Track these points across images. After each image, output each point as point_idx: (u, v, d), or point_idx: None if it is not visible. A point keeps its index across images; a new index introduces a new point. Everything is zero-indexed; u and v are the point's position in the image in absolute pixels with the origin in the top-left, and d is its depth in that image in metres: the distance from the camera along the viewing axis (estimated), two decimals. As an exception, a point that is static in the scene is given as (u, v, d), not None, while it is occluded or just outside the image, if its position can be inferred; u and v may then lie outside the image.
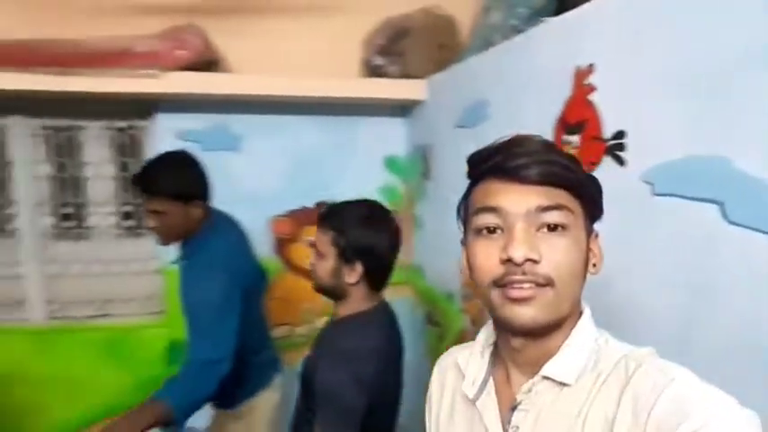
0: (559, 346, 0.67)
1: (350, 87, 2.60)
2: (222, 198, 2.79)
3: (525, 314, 0.63)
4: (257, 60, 2.69)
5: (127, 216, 2.84)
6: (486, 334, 0.78)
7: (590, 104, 1.29)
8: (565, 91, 1.40)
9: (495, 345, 0.77)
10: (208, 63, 2.55)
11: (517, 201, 0.64)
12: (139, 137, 2.79)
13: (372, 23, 2.60)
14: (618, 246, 1.24)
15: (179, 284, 1.81)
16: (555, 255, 0.63)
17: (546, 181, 0.63)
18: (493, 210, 0.65)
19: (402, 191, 2.95)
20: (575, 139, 1.35)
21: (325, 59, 2.68)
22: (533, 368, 0.69)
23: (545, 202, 0.63)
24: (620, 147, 1.19)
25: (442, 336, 2.50)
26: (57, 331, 2.78)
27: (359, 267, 1.30)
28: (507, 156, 0.65)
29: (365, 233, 1.28)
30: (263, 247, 2.71)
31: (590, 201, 0.69)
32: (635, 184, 1.15)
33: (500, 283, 0.63)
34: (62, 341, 2.76)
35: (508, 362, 0.73)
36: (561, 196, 0.64)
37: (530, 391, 0.68)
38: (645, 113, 1.13)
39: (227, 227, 1.97)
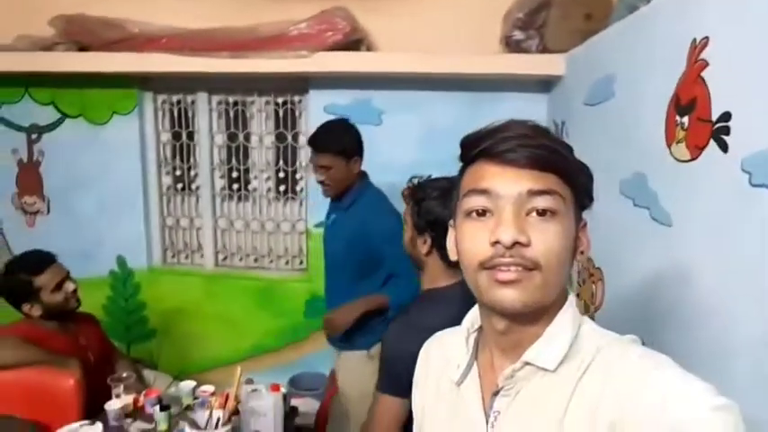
0: (542, 332, 0.68)
1: (487, 63, 2.66)
2: (366, 168, 3.08)
3: (511, 297, 0.63)
4: (400, 38, 2.88)
5: (281, 182, 3.25)
6: (471, 319, 0.79)
7: (702, 82, 1.23)
8: (681, 67, 1.34)
9: (481, 330, 0.77)
10: (355, 42, 2.80)
11: (507, 184, 0.64)
12: (295, 111, 3.16)
13: (512, -3, 2.61)
14: (711, 237, 1.20)
15: (330, 236, 2.27)
16: (544, 239, 0.63)
17: (536, 165, 0.64)
18: (483, 192, 0.66)
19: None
20: (685, 120, 1.30)
21: (465, 36, 2.78)
22: (517, 353, 0.69)
23: (535, 187, 0.64)
24: (726, 130, 1.14)
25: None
26: (222, 277, 3.34)
27: (428, 239, 1.36)
28: (498, 139, 0.66)
29: (436, 205, 1.34)
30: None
31: (580, 188, 0.69)
32: (734, 172, 1.09)
33: (487, 265, 0.64)
34: (225, 286, 3.30)
35: (492, 346, 0.73)
36: (552, 182, 0.65)
37: (512, 376, 0.69)
38: (753, 94, 1.07)
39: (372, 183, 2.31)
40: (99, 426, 1.50)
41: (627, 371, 0.62)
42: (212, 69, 2.80)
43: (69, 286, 2.02)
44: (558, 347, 0.67)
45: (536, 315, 0.68)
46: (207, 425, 1.50)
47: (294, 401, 2.57)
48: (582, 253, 0.71)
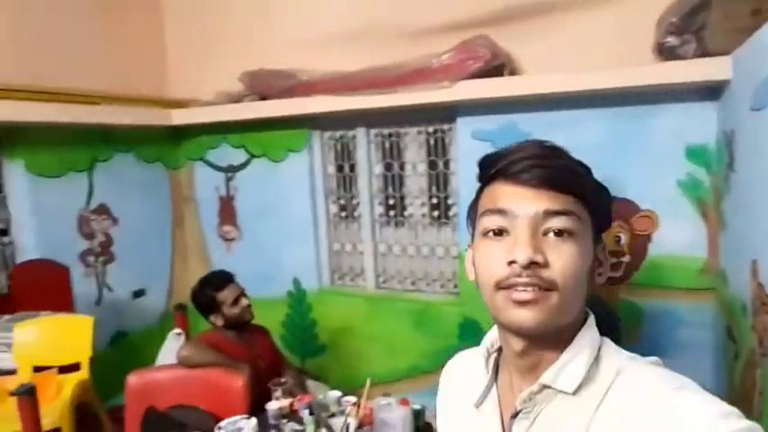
0: (561, 354, 0.69)
1: (641, 75, 2.55)
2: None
3: (528, 317, 0.64)
4: (544, 59, 2.91)
5: (434, 207, 3.43)
6: (491, 339, 0.79)
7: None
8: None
9: (501, 351, 0.78)
10: (498, 68, 2.90)
11: (524, 204, 0.66)
12: (445, 139, 3.34)
13: (663, 3, 2.47)
14: None
15: None
16: (560, 260, 0.64)
17: (553, 186, 0.65)
18: (500, 212, 0.67)
19: (708, 184, 2.68)
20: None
21: (611, 49, 2.70)
22: (535, 375, 0.69)
23: (552, 207, 0.65)
24: None
25: (737, 353, 2.23)
26: (382, 299, 3.62)
27: None
28: (514, 159, 0.67)
29: None
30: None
31: (598, 209, 0.70)
32: None
33: (503, 285, 0.65)
34: (385, 307, 3.57)
35: (511, 368, 0.74)
36: (569, 202, 0.66)
37: (530, 399, 0.69)
38: None
39: None
40: (254, 420, 1.79)
41: (648, 394, 0.62)
42: (367, 105, 3.13)
43: (244, 302, 2.43)
44: (577, 370, 0.67)
45: (554, 336, 0.68)
46: (341, 430, 1.70)
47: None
48: (600, 275, 0.72)
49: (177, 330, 2.82)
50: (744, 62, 2.15)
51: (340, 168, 3.72)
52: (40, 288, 2.95)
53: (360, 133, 3.58)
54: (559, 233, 0.65)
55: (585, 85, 2.65)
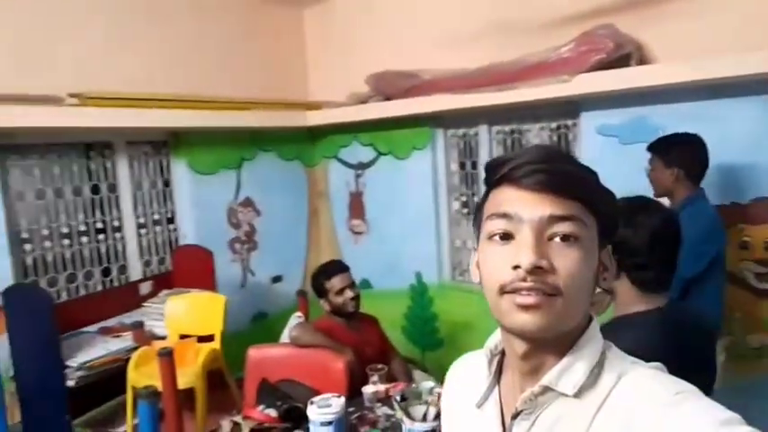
0: (563, 357, 0.69)
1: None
2: (637, 189, 2.95)
3: (531, 321, 0.64)
4: (680, 45, 2.67)
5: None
6: (494, 341, 0.80)
7: None
8: None
9: (504, 353, 0.78)
10: (624, 58, 2.73)
11: (529, 208, 0.66)
12: (568, 135, 3.22)
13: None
14: None
15: None
16: (565, 265, 0.64)
17: (558, 191, 0.66)
18: (505, 216, 0.67)
19: None
20: None
21: (755, 31, 2.40)
22: (537, 377, 0.70)
23: (557, 212, 0.65)
24: None
25: None
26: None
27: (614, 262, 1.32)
28: (520, 164, 0.67)
29: (619, 226, 1.29)
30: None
31: (604, 214, 0.70)
32: None
33: (508, 289, 0.65)
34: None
35: (514, 370, 0.74)
36: (574, 207, 0.66)
37: (530, 400, 0.69)
38: None
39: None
40: (342, 399, 1.92)
41: (649, 399, 0.62)
42: (485, 103, 3.14)
43: (348, 293, 2.56)
44: (579, 373, 0.68)
45: (557, 340, 0.68)
46: (421, 417, 1.77)
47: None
48: (605, 279, 0.72)
49: (298, 314, 3.09)
50: None
51: (462, 166, 3.76)
52: (192, 268, 3.44)
53: (482, 130, 3.59)
54: (564, 238, 0.65)
55: (725, 72, 2.39)
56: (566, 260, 0.64)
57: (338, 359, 2.27)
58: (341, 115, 3.89)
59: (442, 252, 3.90)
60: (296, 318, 3.04)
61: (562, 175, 0.66)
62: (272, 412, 2.07)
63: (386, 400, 2.20)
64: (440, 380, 3.19)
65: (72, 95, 3.04)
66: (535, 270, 0.63)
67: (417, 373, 2.88)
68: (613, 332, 1.36)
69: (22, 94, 2.83)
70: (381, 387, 2.23)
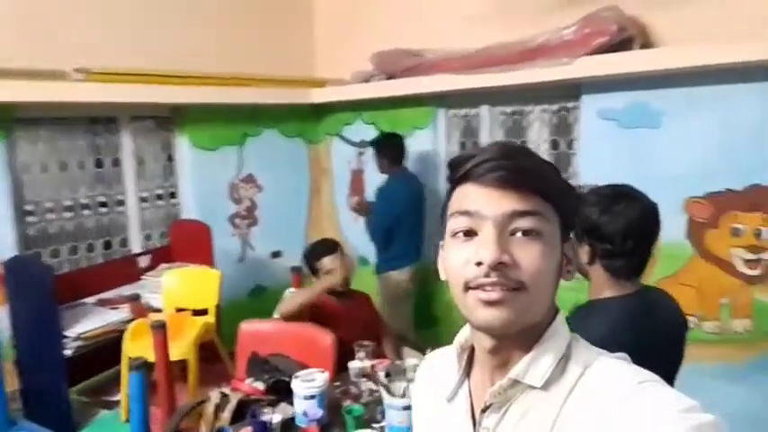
0: (530, 350, 0.69)
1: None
2: (636, 173, 2.93)
3: (496, 316, 0.65)
4: (683, 27, 2.61)
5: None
6: (464, 336, 0.80)
7: None
8: None
9: (473, 347, 0.79)
10: (627, 41, 2.67)
11: (490, 205, 0.66)
12: (568, 117, 3.17)
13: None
14: None
15: None
16: (528, 259, 0.65)
17: (519, 186, 0.66)
18: (467, 213, 0.68)
19: None
20: None
21: (761, 16, 2.32)
22: (506, 371, 0.70)
23: (519, 207, 0.65)
24: None
25: None
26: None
27: (587, 248, 1.32)
28: (482, 161, 0.68)
29: (594, 213, 1.29)
30: (673, 230, 2.66)
31: (565, 208, 0.70)
32: None
33: (472, 285, 0.66)
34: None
35: (483, 364, 0.75)
36: (536, 202, 0.66)
37: (499, 393, 0.70)
38: None
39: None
40: (326, 374, 1.94)
41: (613, 388, 0.63)
42: (487, 84, 3.10)
43: (339, 274, 2.56)
44: (545, 365, 0.68)
45: (523, 334, 0.68)
46: (399, 392, 1.79)
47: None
48: (569, 272, 0.72)
49: (292, 289, 3.10)
50: None
51: (463, 145, 3.72)
52: (189, 243, 3.45)
53: (483, 111, 3.54)
54: (526, 233, 0.66)
55: (728, 58, 2.34)
56: (528, 254, 0.65)
57: (327, 335, 2.28)
58: (345, 93, 3.86)
59: (441, 232, 3.88)
60: (289, 293, 3.06)
61: (522, 171, 0.66)
62: (260, 385, 2.09)
63: (371, 375, 2.22)
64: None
65: (77, 70, 3.04)
66: (498, 266, 0.63)
67: (407, 351, 2.89)
68: (588, 316, 1.37)
69: (28, 69, 2.83)
70: (367, 363, 2.25)
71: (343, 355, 2.32)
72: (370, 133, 4.05)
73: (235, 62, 3.77)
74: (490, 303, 0.64)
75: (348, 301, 2.66)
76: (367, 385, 2.12)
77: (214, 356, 3.09)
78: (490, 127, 3.53)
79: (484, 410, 0.72)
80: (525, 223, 0.65)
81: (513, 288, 0.64)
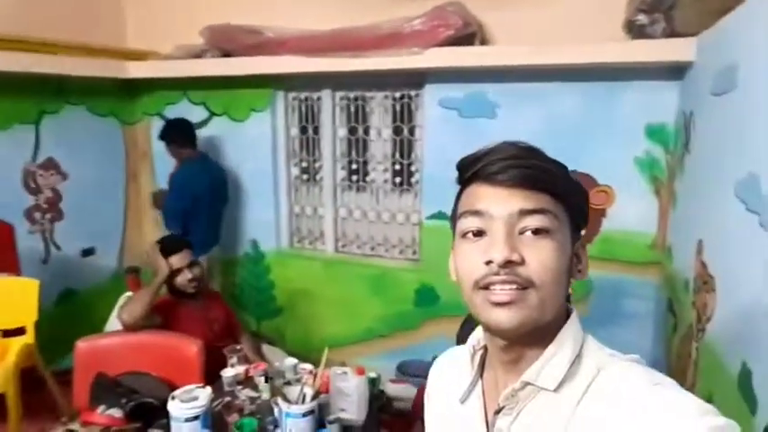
0: (543, 350, 0.69)
1: (608, 52, 2.54)
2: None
3: (507, 317, 0.64)
4: (517, 29, 2.85)
5: (397, 173, 3.37)
6: (477, 336, 0.80)
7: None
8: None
9: (486, 347, 0.78)
10: (469, 36, 2.81)
11: (499, 204, 0.66)
12: (411, 105, 3.26)
13: (636, -20, 2.43)
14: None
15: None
16: (537, 258, 0.64)
17: (528, 185, 0.66)
18: (476, 213, 0.68)
19: (664, 162, 2.71)
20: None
21: (584, 23, 2.67)
22: (519, 372, 0.70)
23: (527, 206, 0.65)
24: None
25: (675, 326, 2.32)
26: (341, 263, 3.58)
27: None
28: (490, 161, 0.67)
29: None
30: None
31: (574, 207, 0.70)
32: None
33: (482, 285, 0.66)
34: (343, 271, 3.53)
35: (496, 364, 0.74)
36: (545, 201, 0.66)
37: (512, 396, 0.70)
38: None
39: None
40: (208, 389, 1.72)
41: (626, 393, 0.62)
42: (334, 69, 3.01)
43: (187, 275, 2.30)
44: (558, 367, 0.68)
45: (536, 333, 0.68)
46: (297, 398, 1.66)
47: (396, 386, 2.69)
48: (580, 272, 0.72)
49: (129, 294, 2.69)
50: (708, 46, 2.16)
51: (303, 130, 3.60)
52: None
53: (325, 95, 3.46)
54: (536, 232, 0.65)
55: (557, 59, 2.61)
56: (538, 253, 0.65)
57: (191, 343, 2.02)
58: (171, 69, 3.41)
59: (281, 219, 3.73)
60: (126, 298, 2.64)
61: (533, 170, 0.66)
62: (117, 412, 1.76)
63: (246, 381, 2.03)
64: (290, 349, 3.10)
65: None
66: (507, 264, 0.63)
67: (267, 348, 2.73)
68: None
69: None
70: (241, 369, 2.05)
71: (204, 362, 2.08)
72: (199, 114, 3.69)
73: (31, 23, 3.06)
74: (500, 305, 0.64)
75: (201, 301, 2.40)
76: (245, 393, 1.94)
77: (37, 384, 2.52)
78: (332, 111, 3.47)
79: (497, 412, 0.72)
80: (535, 222, 0.65)
81: (522, 287, 0.64)
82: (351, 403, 1.69)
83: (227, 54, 3.32)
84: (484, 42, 2.91)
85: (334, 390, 1.73)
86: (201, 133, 3.67)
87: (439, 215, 3.18)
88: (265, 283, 3.78)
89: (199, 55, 3.36)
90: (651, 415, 0.58)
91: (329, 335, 3.59)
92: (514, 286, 0.64)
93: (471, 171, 0.69)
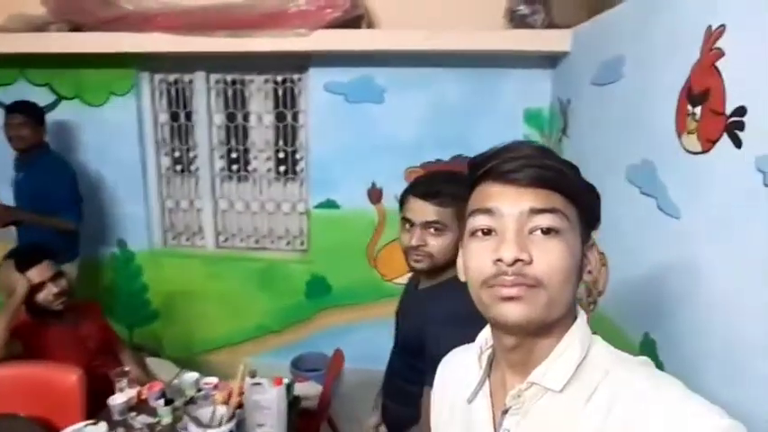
0: (550, 350, 0.69)
1: (489, 40, 2.61)
2: (362, 146, 3.03)
3: (514, 311, 0.64)
4: (402, 14, 2.81)
5: (281, 162, 3.21)
6: (485, 336, 0.79)
7: (716, 72, 1.18)
8: (695, 54, 1.28)
9: (494, 348, 0.78)
10: (356, 19, 2.73)
11: (510, 203, 0.66)
12: (294, 89, 3.10)
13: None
14: (721, 233, 1.17)
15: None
16: (546, 257, 0.64)
17: (539, 184, 0.66)
18: (487, 211, 0.67)
19: (541, 147, 2.88)
20: (697, 110, 1.25)
21: (468, 11, 2.73)
22: (526, 372, 0.70)
23: (538, 205, 0.65)
24: (740, 125, 1.09)
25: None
26: (223, 258, 3.34)
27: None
28: (501, 159, 0.67)
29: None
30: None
31: (586, 207, 0.70)
32: (747, 170, 1.05)
33: (490, 283, 0.66)
34: (227, 267, 3.30)
35: (504, 364, 0.74)
36: (555, 200, 0.66)
37: (519, 396, 0.70)
38: (772, 89, 1.02)
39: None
40: (103, 425, 1.49)
41: (633, 395, 0.62)
42: (210, 49, 2.76)
43: (52, 289, 1.95)
44: (565, 368, 0.67)
45: (543, 332, 0.68)
46: (211, 421, 1.50)
47: (301, 385, 2.58)
48: (589, 272, 0.71)
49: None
50: (585, 38, 2.30)
51: (175, 116, 3.26)
52: None
53: (198, 78, 3.16)
54: (546, 231, 0.65)
55: (442, 45, 2.64)
56: (547, 252, 0.64)
57: (67, 371, 1.72)
58: (6, 43, 2.87)
59: (152, 215, 3.37)
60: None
61: (545, 169, 0.66)
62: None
63: (140, 406, 1.80)
64: (171, 355, 2.83)
65: None
66: (516, 263, 0.63)
67: (152, 361, 2.45)
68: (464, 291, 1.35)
69: None
70: (132, 392, 1.81)
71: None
72: (42, 97, 3.17)
73: None
74: (508, 299, 0.64)
75: (71, 316, 2.07)
76: (140, 419, 1.71)
77: None
78: (207, 96, 3.19)
79: (504, 412, 0.71)
80: (545, 221, 0.65)
81: (530, 285, 0.64)
82: (270, 416, 1.56)
83: (76, 28, 2.88)
84: (370, 26, 2.85)
85: (250, 404, 1.58)
86: (48, 119, 3.17)
87: (327, 203, 3.10)
88: (137, 286, 3.41)
89: (41, 28, 2.87)
90: (658, 416, 0.58)
91: (215, 336, 3.36)
92: (523, 285, 0.64)
93: (483, 169, 0.69)
